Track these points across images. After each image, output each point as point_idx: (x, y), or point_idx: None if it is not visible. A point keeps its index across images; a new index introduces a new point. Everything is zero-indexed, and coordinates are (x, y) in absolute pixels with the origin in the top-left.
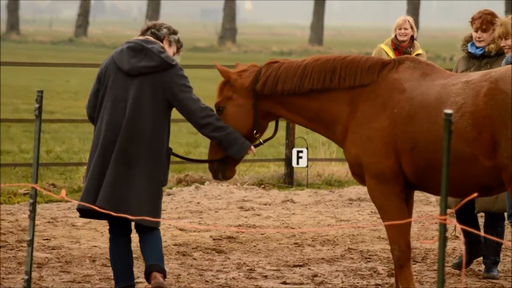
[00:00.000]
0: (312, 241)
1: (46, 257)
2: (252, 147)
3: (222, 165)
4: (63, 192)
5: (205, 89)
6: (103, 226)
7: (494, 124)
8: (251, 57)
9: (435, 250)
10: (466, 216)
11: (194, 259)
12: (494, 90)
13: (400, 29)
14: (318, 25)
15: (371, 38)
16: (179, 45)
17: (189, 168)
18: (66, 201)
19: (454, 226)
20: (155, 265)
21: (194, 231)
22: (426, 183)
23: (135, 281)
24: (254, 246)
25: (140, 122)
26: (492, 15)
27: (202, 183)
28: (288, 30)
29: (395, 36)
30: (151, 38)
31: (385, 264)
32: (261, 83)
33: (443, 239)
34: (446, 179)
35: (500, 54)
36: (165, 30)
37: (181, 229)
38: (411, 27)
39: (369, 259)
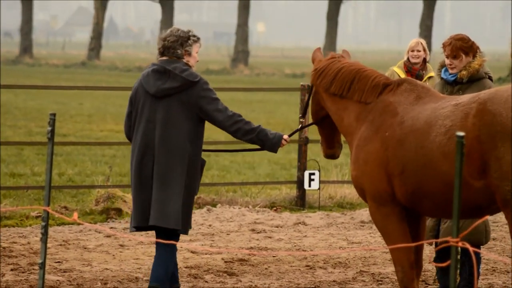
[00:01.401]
0: (324, 263)
1: (58, 280)
2: (285, 137)
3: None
4: (75, 215)
5: None
6: (115, 248)
7: (482, 145)
8: (264, 80)
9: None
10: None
11: (206, 281)
12: (482, 111)
13: (413, 51)
14: (330, 47)
15: (383, 60)
16: (196, 44)
17: (201, 191)
18: (78, 224)
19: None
20: (154, 287)
21: (206, 254)
22: (418, 207)
23: None
24: (266, 268)
25: (170, 140)
26: (463, 40)
27: (214, 205)
28: (301, 52)
29: (408, 58)
30: (173, 58)
31: (397, 287)
32: (312, 73)
33: (455, 262)
34: (459, 200)
35: (473, 80)
36: (179, 51)
37: (192, 252)
38: (424, 50)
39: (380, 282)
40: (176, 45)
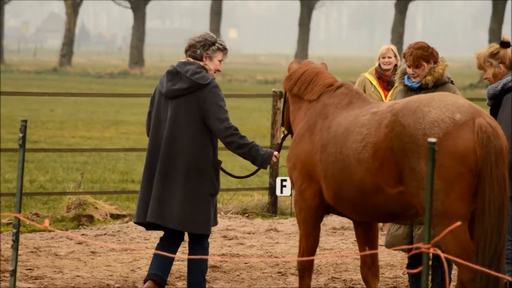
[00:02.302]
0: (296, 270)
1: (29, 287)
2: (275, 154)
3: None
4: (47, 222)
5: None
6: (86, 255)
7: (395, 155)
8: (236, 86)
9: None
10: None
11: None
12: (394, 122)
13: (384, 57)
14: (302, 54)
15: (356, 67)
16: (221, 52)
17: None
18: (50, 231)
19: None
20: (153, 274)
21: (178, 260)
22: (341, 209)
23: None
24: (238, 275)
25: (176, 141)
26: (423, 49)
27: None
28: (273, 59)
29: (379, 65)
30: (191, 60)
31: None
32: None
33: (427, 268)
34: (430, 207)
35: (438, 85)
36: (199, 51)
37: None
38: (395, 56)
39: None
40: (198, 45)
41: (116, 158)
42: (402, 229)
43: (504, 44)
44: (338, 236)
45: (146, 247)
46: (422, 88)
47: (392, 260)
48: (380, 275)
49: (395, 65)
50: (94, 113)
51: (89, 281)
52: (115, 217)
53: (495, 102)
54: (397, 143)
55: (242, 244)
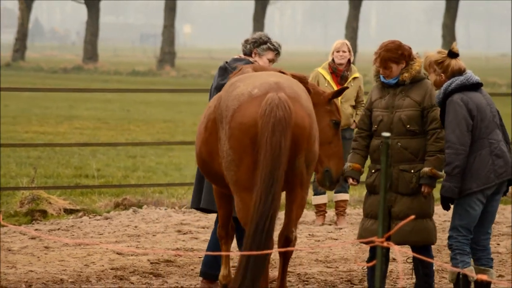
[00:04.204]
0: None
1: None
2: None
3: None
4: None
5: (144, 112)
6: (39, 250)
7: (217, 126)
8: (190, 81)
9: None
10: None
11: (132, 283)
12: (219, 95)
13: (338, 51)
14: None
15: (309, 62)
16: (271, 51)
17: (127, 192)
18: (2, 226)
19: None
20: (201, 272)
21: (132, 255)
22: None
23: None
24: (192, 269)
25: None
26: (391, 51)
27: (140, 207)
28: (228, 54)
29: (333, 59)
30: (242, 56)
31: (322, 287)
32: None
33: (380, 262)
34: (384, 202)
35: (416, 81)
36: (249, 47)
37: (118, 253)
38: (349, 51)
39: (306, 282)
40: (251, 42)
41: (70, 153)
42: (376, 225)
43: (452, 54)
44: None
45: (100, 242)
46: (399, 85)
47: (346, 254)
48: (335, 269)
49: (349, 60)
50: (48, 108)
51: (43, 276)
52: (69, 212)
53: (442, 109)
54: (217, 114)
55: (196, 238)
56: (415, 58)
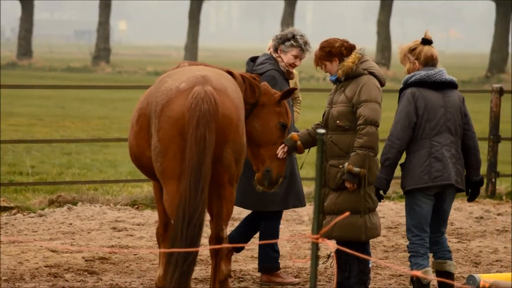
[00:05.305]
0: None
1: None
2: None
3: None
4: None
5: (79, 108)
6: None
7: (148, 120)
8: (126, 78)
9: (307, 269)
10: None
11: (66, 280)
12: (150, 90)
13: None
14: (192, 46)
15: (245, 58)
16: (296, 48)
17: (61, 189)
18: None
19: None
20: (259, 266)
21: (66, 253)
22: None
23: None
24: (127, 267)
25: None
26: (322, 49)
27: (75, 204)
28: (164, 51)
29: None
30: (268, 52)
31: (257, 284)
32: None
33: (315, 258)
34: (318, 200)
35: (354, 77)
36: (276, 43)
37: (52, 251)
38: None
39: (242, 279)
40: (277, 38)
41: (4, 150)
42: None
43: (424, 41)
44: (228, 228)
45: (34, 239)
46: (339, 81)
47: (281, 251)
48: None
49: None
50: None
51: None
52: (3, 209)
53: (398, 99)
54: (147, 110)
55: (131, 235)
56: (353, 54)
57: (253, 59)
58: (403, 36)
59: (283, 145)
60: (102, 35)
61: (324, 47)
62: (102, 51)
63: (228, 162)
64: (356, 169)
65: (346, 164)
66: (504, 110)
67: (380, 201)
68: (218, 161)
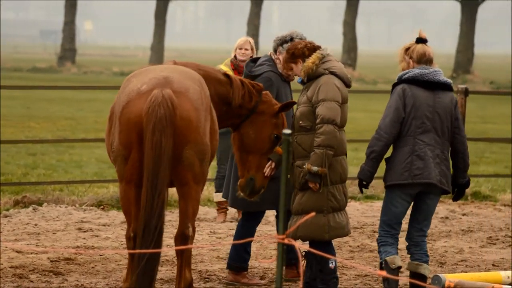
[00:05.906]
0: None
1: None
2: None
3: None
4: None
5: (45, 109)
6: None
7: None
8: (92, 78)
9: (273, 269)
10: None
11: (31, 281)
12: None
13: (241, 49)
14: (159, 46)
15: (212, 59)
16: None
17: (27, 190)
18: None
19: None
20: (228, 263)
21: (31, 253)
22: None
23: None
24: (93, 267)
25: None
26: (287, 52)
27: (40, 204)
28: (130, 51)
29: (235, 56)
30: (269, 53)
31: (223, 284)
32: None
33: (281, 259)
34: (284, 200)
35: (315, 77)
36: (275, 44)
37: (18, 251)
38: (252, 48)
39: (207, 279)
40: (277, 40)
41: None
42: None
43: (419, 40)
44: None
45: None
46: (303, 83)
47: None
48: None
49: (251, 57)
50: None
51: None
52: None
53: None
54: (113, 109)
55: (97, 236)
56: (313, 55)
57: (254, 60)
58: (368, 37)
59: (270, 162)
60: (68, 35)
61: (289, 49)
62: (68, 51)
63: (189, 162)
64: (315, 168)
65: (306, 163)
66: (469, 110)
67: (362, 193)
68: (179, 161)
